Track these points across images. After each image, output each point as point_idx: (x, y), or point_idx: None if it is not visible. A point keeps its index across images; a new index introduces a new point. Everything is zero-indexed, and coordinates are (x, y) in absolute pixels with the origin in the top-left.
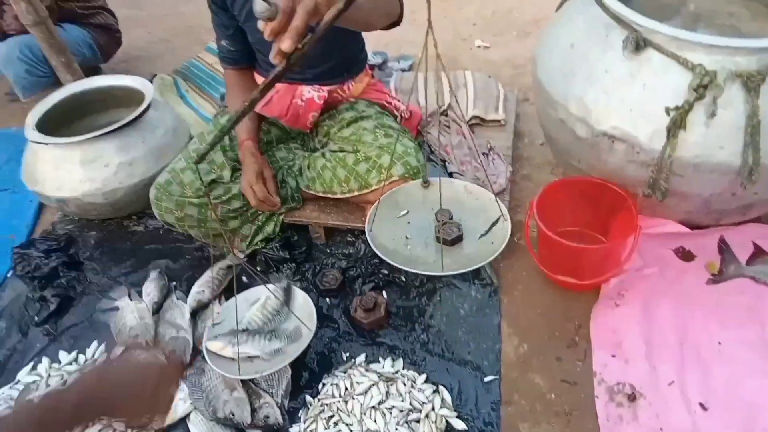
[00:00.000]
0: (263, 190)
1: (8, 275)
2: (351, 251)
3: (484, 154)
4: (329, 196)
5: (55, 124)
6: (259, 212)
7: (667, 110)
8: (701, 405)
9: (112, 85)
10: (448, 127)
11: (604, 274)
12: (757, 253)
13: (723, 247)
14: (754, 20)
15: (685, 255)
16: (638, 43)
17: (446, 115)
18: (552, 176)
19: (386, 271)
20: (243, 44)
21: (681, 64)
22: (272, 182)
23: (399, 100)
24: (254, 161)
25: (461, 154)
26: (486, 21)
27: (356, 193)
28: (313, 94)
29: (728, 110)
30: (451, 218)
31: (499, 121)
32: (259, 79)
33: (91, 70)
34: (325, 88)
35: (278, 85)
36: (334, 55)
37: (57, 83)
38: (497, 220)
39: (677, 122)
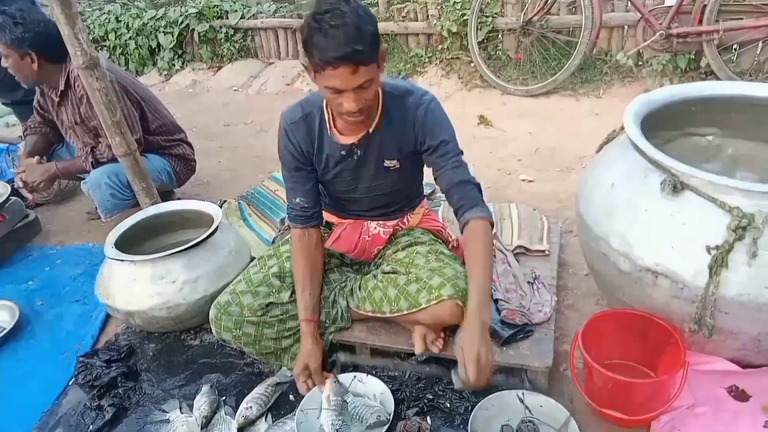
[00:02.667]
0: (304, 387)
1: (70, 383)
2: (396, 373)
3: (529, 282)
4: (378, 315)
5: (130, 242)
6: None
7: (708, 249)
8: None
9: (184, 209)
10: (494, 256)
11: (653, 410)
12: None
13: None
14: None
15: (739, 394)
16: (676, 186)
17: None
18: (597, 307)
19: (431, 396)
20: (316, 201)
21: (719, 206)
22: (318, 375)
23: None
24: (306, 349)
25: (507, 282)
26: (530, 157)
27: (405, 312)
28: (378, 230)
29: None
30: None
31: (543, 251)
32: (330, 218)
33: (166, 194)
34: (389, 223)
35: (346, 221)
36: (402, 195)
37: (136, 205)
38: None
39: (719, 261)
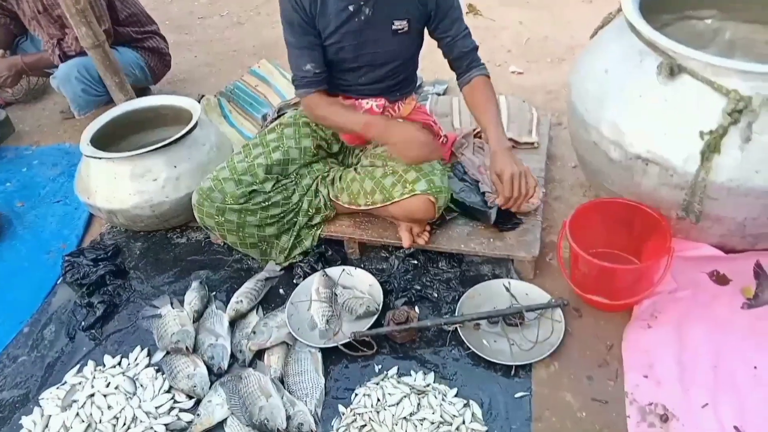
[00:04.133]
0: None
1: (58, 282)
2: (384, 266)
3: None
4: (353, 207)
5: (107, 140)
6: (296, 220)
7: (702, 134)
8: (736, 428)
9: (161, 105)
10: (482, 149)
11: (636, 295)
12: None
13: (759, 272)
14: None
15: (720, 279)
16: (672, 69)
17: (480, 138)
18: (584, 198)
19: (419, 287)
20: (325, 66)
21: (715, 90)
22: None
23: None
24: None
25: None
26: (521, 48)
27: (378, 205)
28: (371, 104)
29: (764, 135)
30: None
31: (532, 143)
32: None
33: (141, 91)
34: (382, 99)
35: (340, 100)
36: (400, 71)
37: (110, 102)
38: None
39: (711, 146)
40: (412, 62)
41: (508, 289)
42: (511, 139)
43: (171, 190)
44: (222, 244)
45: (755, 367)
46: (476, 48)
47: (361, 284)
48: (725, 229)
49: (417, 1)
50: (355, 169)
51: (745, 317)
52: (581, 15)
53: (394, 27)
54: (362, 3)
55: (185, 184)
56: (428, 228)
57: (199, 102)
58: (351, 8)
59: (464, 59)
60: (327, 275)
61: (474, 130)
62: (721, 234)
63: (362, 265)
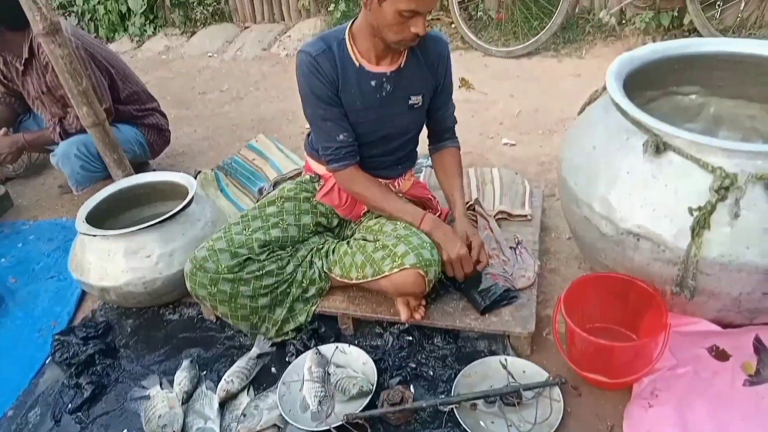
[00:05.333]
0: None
1: (47, 361)
2: (379, 343)
3: (511, 248)
4: (346, 281)
5: (103, 216)
6: (289, 291)
7: (690, 210)
8: None
9: (158, 181)
10: (475, 221)
11: (635, 373)
12: None
13: (759, 347)
14: None
15: (719, 354)
16: (658, 147)
17: (473, 210)
18: (580, 271)
19: (414, 365)
20: (355, 136)
21: (702, 167)
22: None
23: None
24: (452, 229)
25: (488, 248)
26: (512, 120)
27: (369, 279)
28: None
29: (752, 211)
30: None
31: (525, 216)
32: (320, 168)
33: (140, 166)
34: (382, 181)
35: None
36: (409, 144)
37: (108, 177)
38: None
39: (701, 222)
40: (417, 137)
41: (504, 367)
42: (503, 212)
43: (164, 267)
44: (214, 319)
45: None
46: (456, 123)
47: (354, 362)
48: (721, 304)
49: (430, 76)
50: (348, 243)
51: (747, 394)
52: (570, 88)
53: (410, 102)
54: (384, 79)
55: (179, 261)
56: (424, 302)
57: (195, 177)
58: (373, 83)
59: (445, 132)
60: (320, 353)
61: (467, 203)
62: (718, 309)
63: (356, 342)
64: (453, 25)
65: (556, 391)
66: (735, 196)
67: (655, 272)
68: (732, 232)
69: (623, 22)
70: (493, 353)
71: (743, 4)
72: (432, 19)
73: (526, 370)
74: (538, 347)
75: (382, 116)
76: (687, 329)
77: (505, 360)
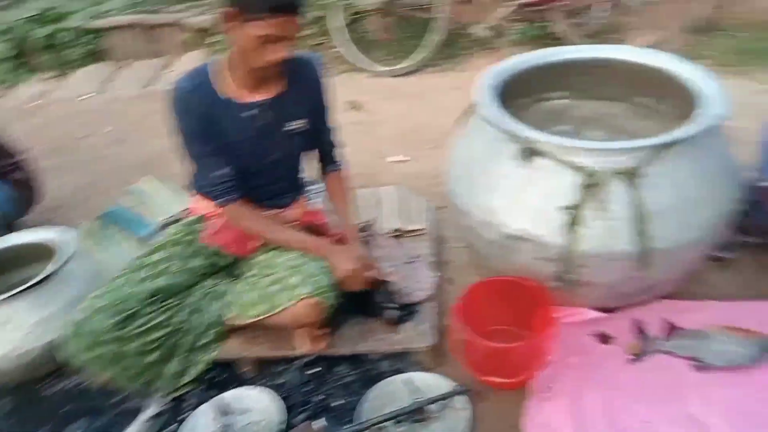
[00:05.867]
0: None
1: None
2: (284, 380)
3: (408, 263)
4: (244, 321)
5: None
6: (182, 341)
7: (563, 209)
8: None
9: (28, 242)
10: (370, 241)
11: (530, 370)
12: (672, 329)
13: (638, 327)
14: (635, 118)
15: (604, 339)
16: (529, 153)
17: (367, 231)
18: (477, 277)
19: (322, 396)
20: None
21: (570, 168)
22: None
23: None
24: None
25: (386, 267)
26: (402, 138)
27: (268, 315)
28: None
29: (617, 204)
30: None
31: (420, 230)
32: (207, 207)
33: (9, 226)
34: (270, 211)
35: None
36: (293, 173)
37: None
38: None
39: (573, 219)
40: (300, 166)
41: (409, 384)
42: (398, 229)
43: (39, 336)
44: (101, 385)
45: (648, 422)
46: (340, 146)
47: (259, 405)
48: (600, 292)
49: (312, 99)
50: (242, 281)
51: (632, 373)
52: (453, 101)
53: (292, 128)
54: (259, 109)
55: (56, 327)
56: (326, 330)
57: (74, 231)
58: (247, 114)
59: (329, 155)
60: (220, 403)
61: (361, 224)
62: (598, 297)
63: (260, 384)
64: (338, 48)
65: (463, 400)
66: (601, 192)
67: (538, 270)
68: (602, 225)
69: (499, 35)
70: (398, 372)
71: (606, 12)
72: (315, 45)
73: (433, 384)
74: (444, 359)
75: (262, 146)
76: (573, 319)
77: (410, 377)
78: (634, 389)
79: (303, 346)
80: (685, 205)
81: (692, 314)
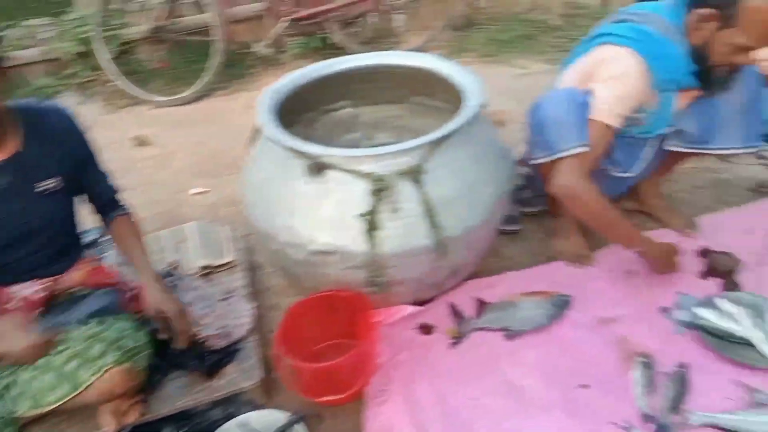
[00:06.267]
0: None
1: None
2: None
3: (222, 300)
4: (41, 411)
5: None
6: None
7: (360, 217)
8: None
9: None
10: (177, 286)
11: (361, 380)
12: (482, 306)
13: (454, 311)
14: (417, 117)
15: (426, 329)
16: (318, 168)
17: (173, 275)
18: (298, 299)
19: None
20: None
21: (358, 176)
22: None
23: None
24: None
25: (199, 309)
26: (200, 167)
27: (71, 397)
28: (27, 291)
29: (407, 203)
30: None
31: (230, 263)
32: None
33: None
34: (41, 282)
35: None
36: (49, 245)
37: None
38: None
39: (371, 224)
40: (74, 222)
41: (245, 426)
42: (207, 266)
43: None
44: None
45: (476, 399)
46: (118, 190)
47: None
48: (411, 287)
49: (65, 151)
50: (30, 366)
51: (455, 355)
52: (247, 122)
53: (40, 189)
54: None
55: None
56: (139, 397)
57: None
58: None
59: (107, 205)
60: None
61: (164, 269)
62: (411, 292)
63: None
64: (112, 83)
65: (300, 428)
66: (390, 194)
67: (351, 279)
68: (398, 225)
69: (283, 50)
70: (231, 416)
71: (376, 19)
72: (86, 82)
73: (270, 419)
74: (277, 390)
75: (8, 214)
76: (394, 319)
77: (246, 418)
78: (458, 371)
79: (110, 421)
80: (467, 192)
81: (496, 288)
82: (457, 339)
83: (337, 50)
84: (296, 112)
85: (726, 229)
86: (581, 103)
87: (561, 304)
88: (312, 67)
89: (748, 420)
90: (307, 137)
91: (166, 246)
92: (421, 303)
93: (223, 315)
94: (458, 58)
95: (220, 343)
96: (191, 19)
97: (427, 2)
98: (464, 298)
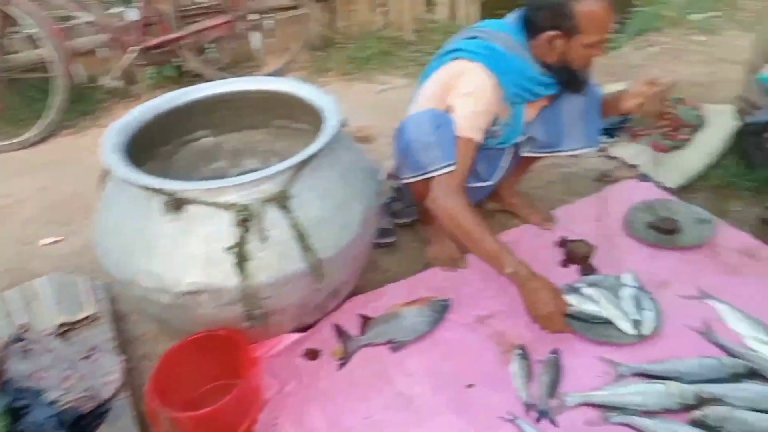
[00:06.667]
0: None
1: None
2: None
3: (84, 358)
4: None
5: None
6: None
7: (227, 250)
8: None
9: None
10: (31, 350)
11: (248, 417)
12: (365, 322)
13: (338, 331)
14: (283, 141)
15: (312, 354)
16: (176, 205)
17: (23, 339)
18: (173, 344)
19: None
20: None
21: (220, 209)
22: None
23: None
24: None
25: (58, 372)
26: (50, 214)
27: None
28: None
29: (276, 229)
30: None
31: (91, 316)
32: None
33: None
34: None
35: None
36: None
37: None
38: None
39: (240, 256)
40: None
41: None
42: (64, 324)
43: None
44: None
45: (368, 417)
46: None
47: None
48: (292, 314)
49: None
50: None
51: (345, 376)
52: (98, 162)
53: None
54: None
55: None
56: None
57: None
58: None
59: None
60: None
61: (11, 337)
62: (292, 319)
63: None
64: None
65: None
66: (257, 223)
67: (227, 317)
68: (269, 254)
69: (136, 81)
70: None
71: (232, 43)
72: None
73: None
74: None
75: None
76: (279, 349)
77: None
78: (349, 391)
79: None
80: (337, 211)
81: (379, 302)
82: (345, 359)
83: (195, 78)
84: (151, 146)
85: (579, 218)
86: (443, 122)
87: (441, 309)
88: (164, 98)
89: (616, 393)
90: (167, 172)
91: (13, 308)
92: (305, 328)
93: (88, 374)
94: (320, 78)
95: (87, 406)
96: (26, 56)
97: (284, 24)
98: (348, 316)
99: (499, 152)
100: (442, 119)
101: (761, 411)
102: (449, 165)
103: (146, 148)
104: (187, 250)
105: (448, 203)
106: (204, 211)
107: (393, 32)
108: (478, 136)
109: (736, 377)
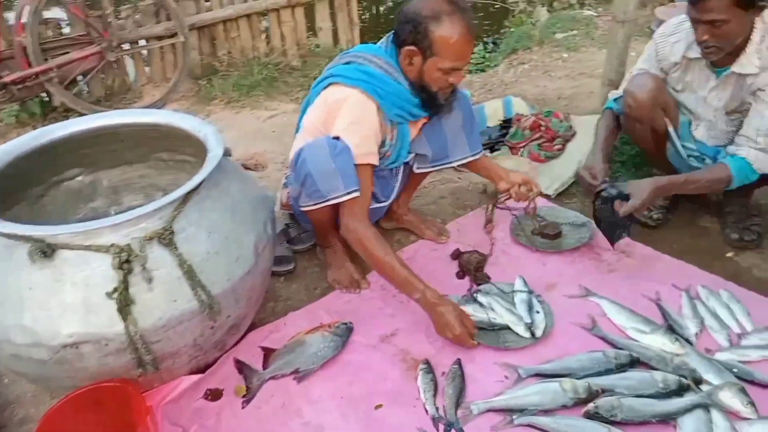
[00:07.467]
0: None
1: None
2: None
3: None
4: None
5: None
6: None
7: (108, 295)
8: None
9: None
10: None
11: None
12: (268, 354)
13: (239, 367)
14: (166, 174)
15: (214, 394)
16: (45, 251)
17: None
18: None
19: None
20: None
21: (96, 252)
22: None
23: None
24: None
25: None
26: None
27: None
28: None
29: (162, 268)
30: None
31: None
32: None
33: None
34: None
35: None
36: None
37: None
38: None
39: (123, 301)
40: None
41: None
42: None
43: None
44: None
45: None
46: None
47: None
48: (187, 355)
49: None
50: None
51: (249, 414)
52: None
53: None
54: None
55: None
56: None
57: None
58: None
59: None
60: None
61: None
62: (188, 360)
63: None
64: None
65: None
66: (140, 263)
67: (114, 367)
68: (155, 295)
69: None
70: None
71: (104, 75)
72: None
73: None
74: None
75: None
76: (175, 394)
77: None
78: (256, 428)
79: None
80: (226, 244)
81: (282, 332)
82: (249, 396)
83: (67, 113)
84: (16, 189)
85: (470, 229)
86: (341, 150)
87: (344, 332)
88: (28, 136)
89: (516, 396)
90: (36, 216)
91: None
92: (203, 369)
93: None
94: (205, 107)
95: None
96: None
97: (161, 54)
98: (250, 350)
99: (391, 172)
100: (339, 147)
101: (646, 396)
102: (353, 191)
103: (11, 192)
104: (61, 298)
105: (359, 231)
106: (77, 255)
107: (277, 58)
108: (374, 160)
109: (620, 367)
